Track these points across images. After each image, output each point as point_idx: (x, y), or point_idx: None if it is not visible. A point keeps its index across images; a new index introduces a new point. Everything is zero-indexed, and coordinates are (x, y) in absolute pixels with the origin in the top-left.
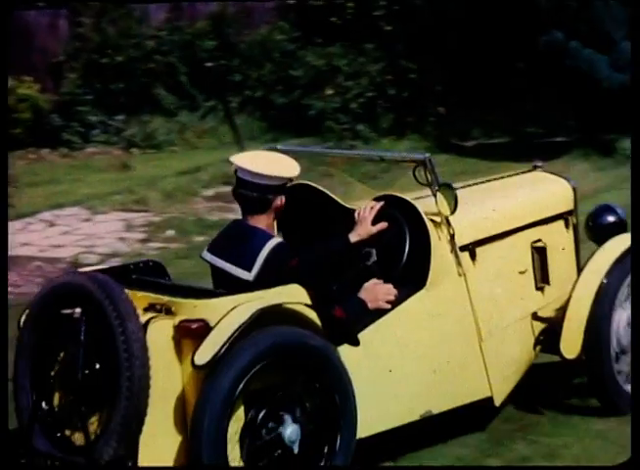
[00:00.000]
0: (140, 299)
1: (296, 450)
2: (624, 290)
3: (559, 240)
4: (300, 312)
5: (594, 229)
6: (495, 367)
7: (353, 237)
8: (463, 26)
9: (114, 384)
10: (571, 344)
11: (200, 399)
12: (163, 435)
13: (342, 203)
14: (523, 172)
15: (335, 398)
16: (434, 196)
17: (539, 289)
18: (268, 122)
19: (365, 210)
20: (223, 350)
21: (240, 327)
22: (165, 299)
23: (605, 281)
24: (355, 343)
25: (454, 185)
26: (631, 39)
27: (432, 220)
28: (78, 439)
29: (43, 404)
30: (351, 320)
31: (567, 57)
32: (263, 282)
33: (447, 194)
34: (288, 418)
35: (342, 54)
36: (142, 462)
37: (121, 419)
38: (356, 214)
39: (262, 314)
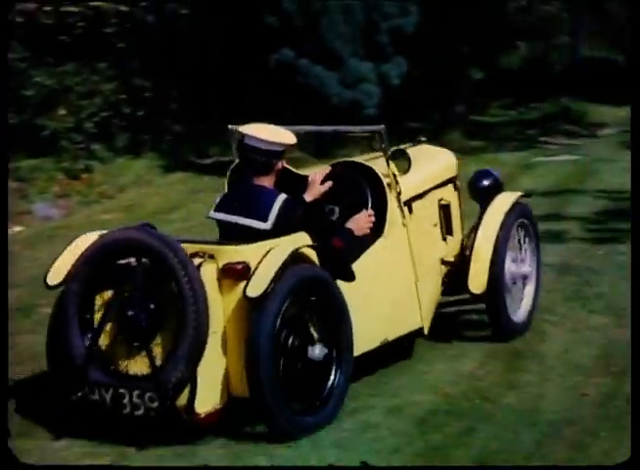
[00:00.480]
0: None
1: (317, 366)
2: (512, 236)
3: (452, 199)
4: (309, 253)
5: (477, 190)
6: (424, 302)
7: (307, 197)
8: (196, 45)
9: (181, 317)
10: (477, 281)
11: (254, 323)
12: (217, 358)
13: (297, 172)
14: (414, 145)
15: (341, 322)
16: (387, 160)
17: (444, 239)
18: None
19: (315, 174)
20: (272, 283)
21: (282, 265)
22: (207, 247)
23: (500, 232)
24: (351, 273)
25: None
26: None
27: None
28: (136, 369)
29: (98, 342)
30: (347, 250)
31: (298, 74)
32: (278, 230)
33: (401, 158)
34: (316, 339)
35: (75, 73)
36: (201, 383)
37: (188, 346)
38: (309, 179)
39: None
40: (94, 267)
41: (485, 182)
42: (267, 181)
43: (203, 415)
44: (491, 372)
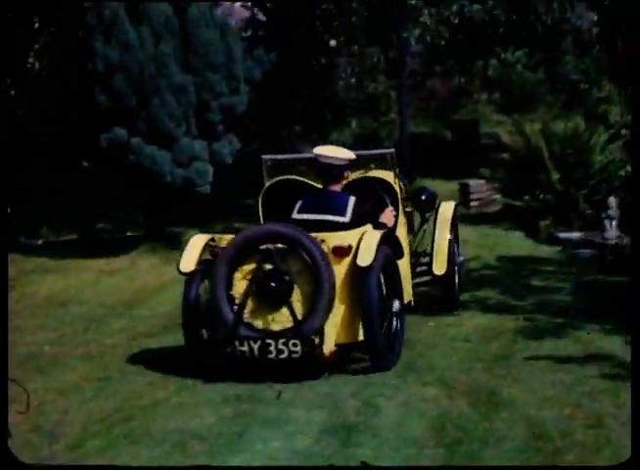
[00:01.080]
0: None
1: (395, 316)
2: (454, 233)
3: (410, 207)
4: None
5: (419, 202)
6: (409, 281)
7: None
8: (24, 125)
9: (318, 281)
10: (440, 266)
11: (367, 284)
12: (334, 312)
13: (316, 185)
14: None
15: (400, 285)
16: (396, 176)
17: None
18: None
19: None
20: (375, 256)
21: (378, 243)
22: (320, 234)
23: (451, 230)
24: (402, 252)
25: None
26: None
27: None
28: (277, 325)
29: (244, 308)
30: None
31: (130, 153)
32: (353, 222)
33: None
34: (394, 297)
35: None
36: (326, 330)
37: (324, 305)
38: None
39: None
40: (237, 254)
41: (424, 196)
42: (338, 187)
43: (328, 355)
44: (326, 448)
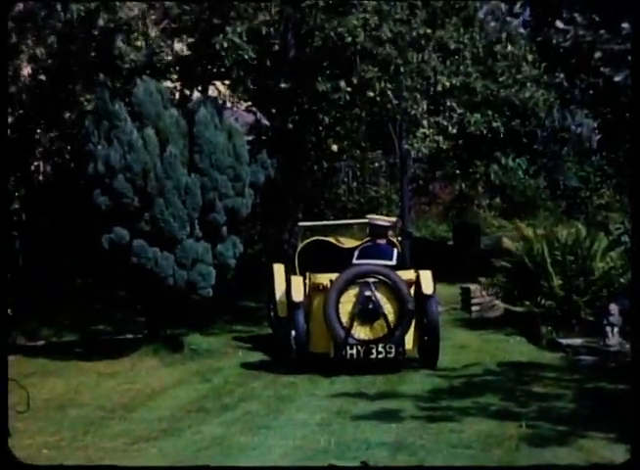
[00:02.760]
0: None
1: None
2: None
3: None
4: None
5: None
6: None
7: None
8: (25, 226)
9: (401, 304)
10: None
11: (431, 307)
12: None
13: (342, 245)
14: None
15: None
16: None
17: None
18: None
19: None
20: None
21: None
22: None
23: None
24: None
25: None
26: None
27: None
28: (374, 334)
29: (353, 324)
30: None
31: (132, 255)
32: (398, 265)
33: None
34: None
35: None
36: (407, 341)
37: (408, 320)
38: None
39: None
40: (345, 284)
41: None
42: (384, 241)
43: (407, 354)
44: None
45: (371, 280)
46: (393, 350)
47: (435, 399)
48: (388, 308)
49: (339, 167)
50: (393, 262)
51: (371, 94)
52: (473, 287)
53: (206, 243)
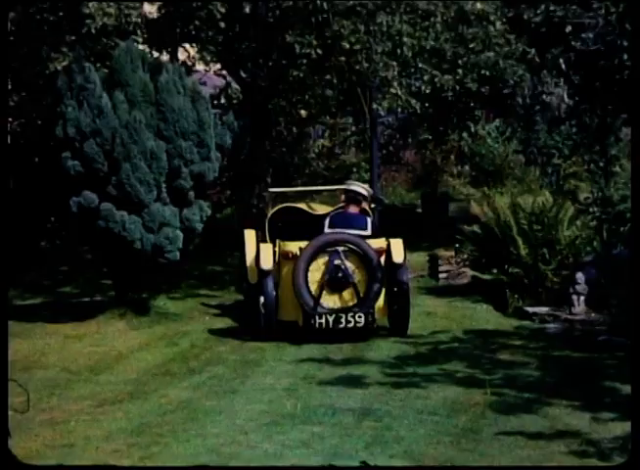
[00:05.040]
0: None
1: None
2: None
3: None
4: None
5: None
6: None
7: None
8: None
9: (371, 272)
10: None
11: (402, 274)
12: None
13: (313, 212)
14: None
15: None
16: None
17: None
18: None
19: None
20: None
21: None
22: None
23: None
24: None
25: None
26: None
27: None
28: (344, 303)
29: (322, 296)
30: None
31: (99, 218)
32: (372, 234)
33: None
34: None
35: None
36: (376, 309)
37: (377, 289)
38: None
39: None
40: (314, 252)
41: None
42: (357, 209)
43: (377, 322)
44: None
45: (341, 249)
46: (363, 318)
47: (402, 366)
48: (357, 277)
49: (308, 133)
50: (368, 232)
51: (342, 58)
52: (440, 254)
53: (174, 207)
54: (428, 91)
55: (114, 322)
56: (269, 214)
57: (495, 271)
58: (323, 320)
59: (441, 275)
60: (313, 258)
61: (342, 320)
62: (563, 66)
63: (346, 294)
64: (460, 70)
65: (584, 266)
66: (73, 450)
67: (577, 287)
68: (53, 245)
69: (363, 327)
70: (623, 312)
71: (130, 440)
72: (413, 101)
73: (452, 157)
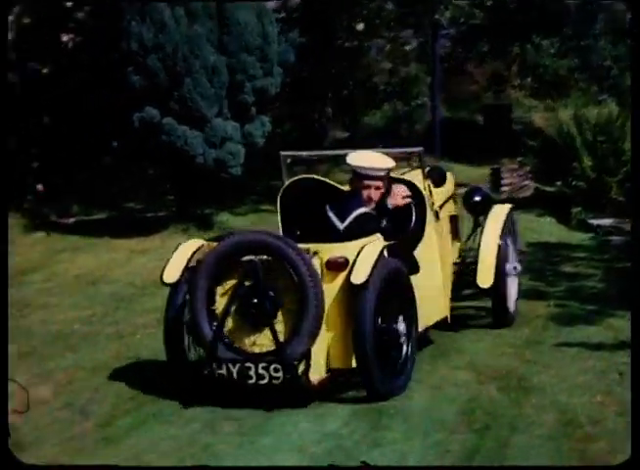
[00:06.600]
0: None
1: (401, 340)
2: (508, 239)
3: (456, 211)
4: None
5: (471, 204)
6: (447, 296)
7: (389, 204)
8: (56, 104)
9: (303, 299)
10: (486, 278)
11: (360, 304)
12: (324, 335)
13: (339, 186)
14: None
15: (412, 304)
16: (424, 176)
17: (452, 244)
18: None
19: (398, 188)
20: (372, 272)
21: (378, 257)
22: (313, 245)
23: (501, 236)
24: (417, 266)
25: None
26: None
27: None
28: (259, 347)
29: (224, 326)
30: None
31: (162, 133)
32: (347, 233)
33: (436, 173)
34: (400, 319)
35: None
36: (314, 355)
37: (311, 324)
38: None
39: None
40: (218, 265)
41: (477, 197)
42: (375, 195)
43: (315, 383)
44: (356, 431)
45: (260, 259)
46: (280, 373)
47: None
48: (286, 307)
49: (368, 47)
50: (341, 227)
51: None
52: (503, 167)
53: (235, 122)
54: (490, 2)
55: (177, 237)
56: (282, 189)
57: (559, 184)
58: (224, 370)
59: (504, 188)
60: (222, 270)
61: (252, 373)
62: None
63: (265, 333)
64: None
65: None
66: (139, 363)
67: None
68: (117, 161)
69: (283, 385)
70: None
71: None
72: (476, 11)
73: (515, 68)
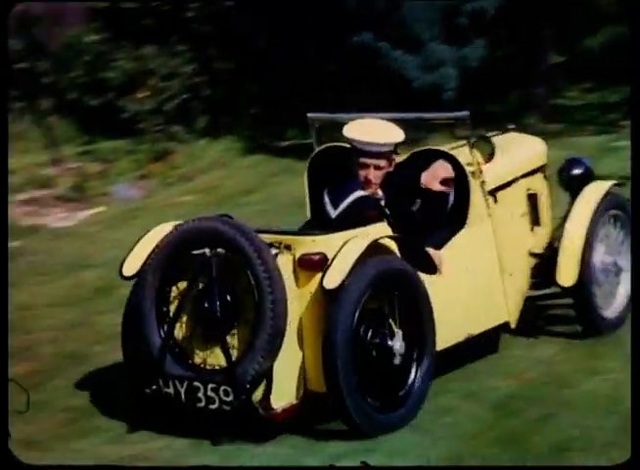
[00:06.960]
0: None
1: (397, 362)
2: (601, 228)
3: (541, 189)
4: (391, 245)
5: (567, 179)
6: (510, 296)
7: (423, 179)
8: (273, 28)
9: (258, 307)
10: (566, 274)
11: (331, 316)
12: (293, 351)
13: None
14: (502, 133)
15: (422, 316)
16: (471, 148)
17: (532, 230)
18: (81, 125)
19: (439, 167)
20: (349, 275)
21: (359, 257)
22: (284, 237)
23: (590, 223)
24: (433, 265)
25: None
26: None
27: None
28: (213, 362)
29: (174, 335)
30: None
31: (377, 57)
32: (341, 221)
33: (484, 145)
34: (396, 334)
35: (155, 56)
36: (277, 377)
37: (268, 337)
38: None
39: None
40: (169, 258)
41: (577, 171)
42: (376, 175)
43: (279, 410)
44: (570, 358)
45: (213, 252)
46: (231, 397)
47: None
48: (247, 314)
49: None
50: (333, 214)
51: None
52: None
53: (451, 46)
54: None
55: None
56: (310, 157)
57: None
58: (171, 389)
59: None
60: (170, 266)
61: (200, 395)
62: None
63: (217, 348)
64: None
65: None
66: None
67: None
68: (332, 89)
69: (233, 413)
70: None
71: None
72: None
73: None
